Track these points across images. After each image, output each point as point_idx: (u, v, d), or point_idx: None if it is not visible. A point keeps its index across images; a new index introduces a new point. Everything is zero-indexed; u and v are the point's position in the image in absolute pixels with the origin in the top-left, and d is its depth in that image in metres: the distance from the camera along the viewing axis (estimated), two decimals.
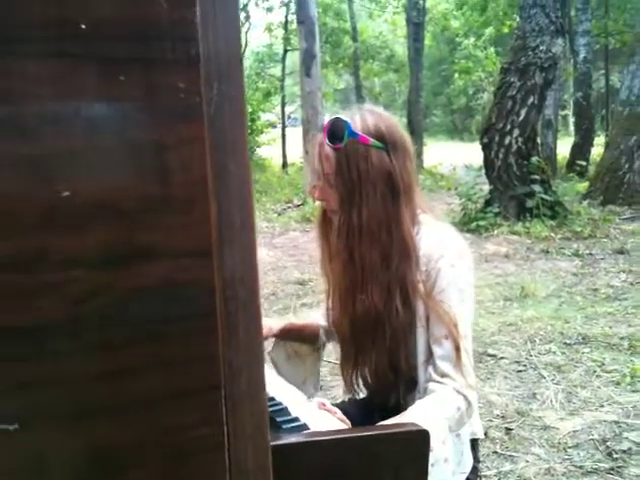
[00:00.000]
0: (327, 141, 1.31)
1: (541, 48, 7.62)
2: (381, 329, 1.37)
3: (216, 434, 0.41)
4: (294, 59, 16.98)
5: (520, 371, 3.41)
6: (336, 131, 1.30)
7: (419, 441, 1.05)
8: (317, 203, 1.55)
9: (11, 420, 0.37)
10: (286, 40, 17.98)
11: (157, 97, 0.37)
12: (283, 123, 18.77)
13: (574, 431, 2.72)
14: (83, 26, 0.35)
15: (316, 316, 1.70)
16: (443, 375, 1.30)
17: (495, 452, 2.63)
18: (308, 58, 10.27)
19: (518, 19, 8.51)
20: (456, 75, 25.33)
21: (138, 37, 0.36)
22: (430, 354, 1.34)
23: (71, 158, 0.36)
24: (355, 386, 1.56)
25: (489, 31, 20.22)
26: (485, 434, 2.59)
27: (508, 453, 2.60)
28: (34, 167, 0.35)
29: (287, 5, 18.11)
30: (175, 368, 0.40)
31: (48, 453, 0.38)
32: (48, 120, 0.35)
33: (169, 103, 0.37)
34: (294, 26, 10.62)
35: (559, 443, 2.63)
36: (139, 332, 0.39)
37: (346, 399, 1.68)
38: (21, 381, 0.37)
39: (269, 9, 18.68)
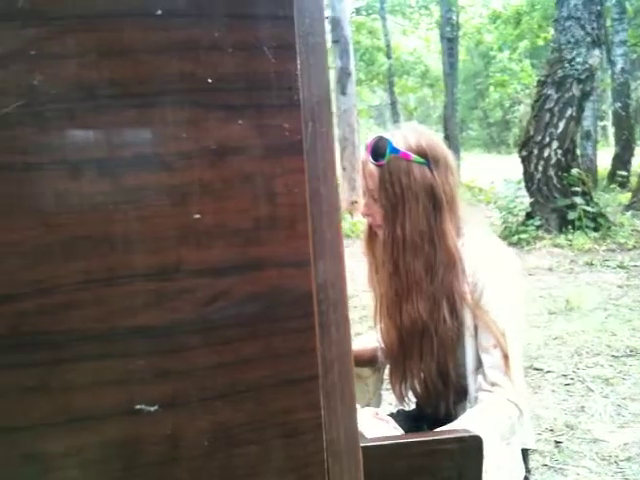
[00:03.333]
0: (370, 159, 1.38)
1: (578, 60, 7.59)
2: (428, 339, 1.42)
3: (315, 417, 0.48)
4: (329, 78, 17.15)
5: (567, 384, 3.39)
6: (379, 149, 1.37)
7: (473, 446, 1.10)
8: (359, 218, 1.61)
9: (152, 402, 0.45)
10: None
11: (267, 136, 0.45)
12: None
13: (625, 444, 2.70)
14: (210, 80, 0.44)
15: (372, 338, 1.74)
16: (493, 384, 1.34)
17: (545, 465, 2.62)
18: (343, 76, 10.40)
19: (553, 32, 8.49)
20: (491, 88, 25.22)
21: (252, 87, 0.45)
22: (479, 363, 1.38)
23: (200, 187, 0.44)
24: (405, 397, 1.60)
25: (524, 44, 20.12)
26: None
27: (558, 466, 2.60)
28: (173, 194, 0.44)
29: None
30: (281, 360, 0.48)
31: (181, 430, 0.46)
32: (182, 156, 0.44)
33: (276, 141, 0.46)
34: (329, 45, 10.77)
35: (610, 456, 2.61)
36: (252, 329, 0.47)
37: (395, 411, 1.73)
38: (160, 370, 0.45)
39: None
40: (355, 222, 8.59)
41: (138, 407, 0.45)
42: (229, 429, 0.47)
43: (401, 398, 1.61)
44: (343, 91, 10.40)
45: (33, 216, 0.42)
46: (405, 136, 1.38)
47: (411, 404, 1.68)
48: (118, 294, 0.44)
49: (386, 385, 2.32)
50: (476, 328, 1.38)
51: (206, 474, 0.46)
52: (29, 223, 0.42)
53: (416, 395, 1.61)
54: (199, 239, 0.45)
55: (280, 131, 0.45)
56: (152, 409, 0.45)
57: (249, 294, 0.46)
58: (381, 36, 20.33)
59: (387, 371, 1.67)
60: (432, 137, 1.42)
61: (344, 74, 10.38)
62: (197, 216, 0.44)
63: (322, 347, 0.49)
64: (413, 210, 1.36)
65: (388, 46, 20.22)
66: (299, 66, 0.46)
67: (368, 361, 1.69)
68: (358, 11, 20.52)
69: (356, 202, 9.10)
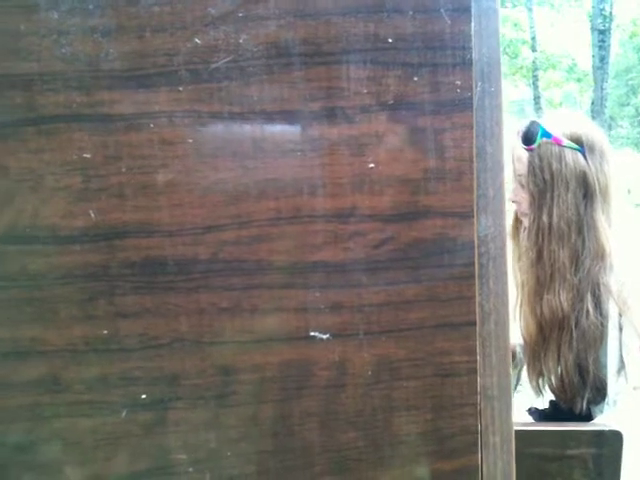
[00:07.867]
0: (521, 143, 1.36)
1: None
2: (567, 331, 1.37)
3: (470, 361, 0.51)
4: None
5: None
6: (530, 132, 1.35)
7: (613, 440, 1.07)
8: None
9: (324, 331, 0.50)
10: None
11: (440, 92, 0.49)
12: None
13: None
14: (390, 40, 0.48)
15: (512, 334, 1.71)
16: (635, 388, 1.28)
17: None
18: None
19: None
20: None
21: (428, 47, 0.48)
22: (622, 365, 1.33)
23: (376, 138, 0.49)
24: (541, 391, 1.57)
25: None
26: None
27: None
28: (352, 144, 0.49)
29: None
30: (441, 304, 0.51)
31: (348, 359, 0.51)
32: (362, 110, 0.49)
33: (448, 97, 0.49)
34: None
35: None
36: (415, 273, 0.51)
37: (527, 409, 1.69)
38: (333, 303, 0.50)
39: None
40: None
41: (312, 334, 0.50)
42: (391, 363, 0.51)
43: (537, 391, 1.57)
44: None
45: (234, 158, 0.48)
46: (559, 121, 1.35)
47: (545, 401, 1.64)
48: (301, 231, 0.49)
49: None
50: (621, 328, 1.32)
51: (369, 401, 0.51)
52: (231, 164, 0.48)
53: (552, 389, 1.57)
54: (372, 187, 0.49)
55: (452, 88, 0.49)
56: (324, 337, 0.50)
57: (414, 240, 0.50)
58: (526, 28, 19.53)
59: (524, 369, 1.64)
60: (588, 123, 1.37)
61: None
62: (371, 165, 0.49)
63: (480, 296, 0.52)
64: (562, 197, 1.33)
65: (534, 38, 19.38)
66: (473, 28, 0.49)
67: None
68: (503, 3, 19.84)
69: None
